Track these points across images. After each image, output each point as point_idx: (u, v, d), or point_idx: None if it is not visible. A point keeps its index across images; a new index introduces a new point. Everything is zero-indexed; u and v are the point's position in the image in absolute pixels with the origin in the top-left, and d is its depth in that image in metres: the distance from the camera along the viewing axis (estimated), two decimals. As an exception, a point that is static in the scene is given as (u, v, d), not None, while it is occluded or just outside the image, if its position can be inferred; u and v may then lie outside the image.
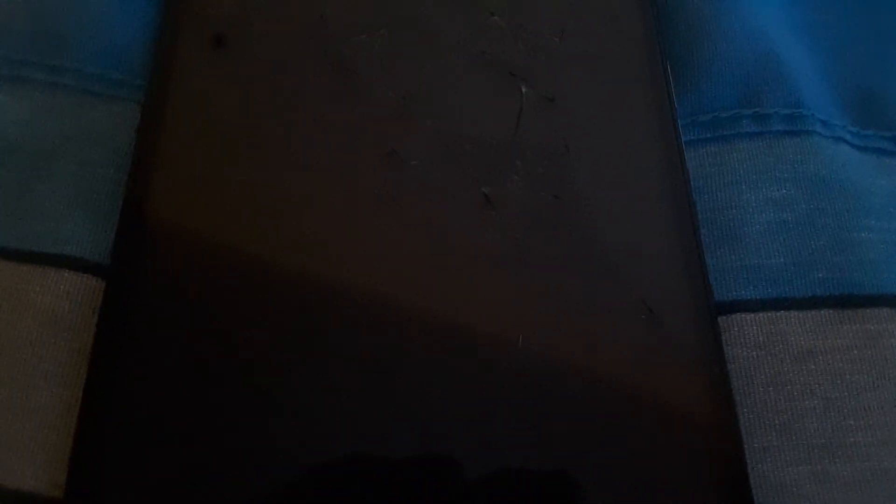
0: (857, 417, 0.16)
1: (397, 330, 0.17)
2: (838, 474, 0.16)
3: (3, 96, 0.19)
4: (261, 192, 0.18)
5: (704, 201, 0.18)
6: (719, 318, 0.17)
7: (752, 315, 0.17)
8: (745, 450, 0.16)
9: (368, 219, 0.17)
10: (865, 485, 0.16)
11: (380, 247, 0.17)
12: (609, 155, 0.19)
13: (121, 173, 0.18)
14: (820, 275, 0.18)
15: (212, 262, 0.17)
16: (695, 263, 0.17)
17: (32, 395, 0.16)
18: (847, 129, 0.20)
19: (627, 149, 0.19)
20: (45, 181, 0.18)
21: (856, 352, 0.17)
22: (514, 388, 0.16)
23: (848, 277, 0.18)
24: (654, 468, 0.16)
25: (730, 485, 0.15)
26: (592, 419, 0.16)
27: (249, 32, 0.19)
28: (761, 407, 0.17)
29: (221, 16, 0.19)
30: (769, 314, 0.17)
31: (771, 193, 0.18)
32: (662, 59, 0.19)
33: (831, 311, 0.17)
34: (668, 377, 0.16)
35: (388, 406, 0.16)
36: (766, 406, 0.17)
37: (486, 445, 0.16)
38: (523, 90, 0.19)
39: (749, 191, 0.18)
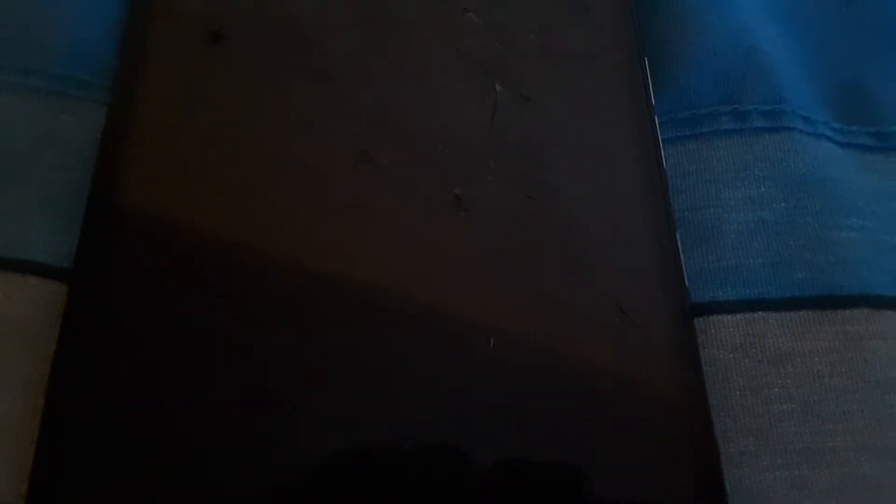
0: (835, 422, 0.16)
1: (369, 331, 0.16)
2: (816, 480, 0.16)
3: (-30, 99, 0.19)
4: (229, 194, 0.17)
5: (682, 200, 0.18)
6: (696, 320, 0.17)
7: (730, 317, 0.17)
8: (721, 455, 0.15)
9: (339, 219, 0.17)
10: (844, 491, 0.16)
11: (350, 248, 0.17)
12: (585, 154, 0.18)
13: (87, 177, 0.18)
14: (799, 275, 0.17)
15: (178, 266, 0.17)
16: (671, 264, 0.17)
17: (-6, 402, 0.16)
18: (829, 125, 0.19)
19: (604, 147, 0.18)
20: (9, 185, 0.18)
21: (835, 354, 0.17)
22: (485, 392, 0.16)
23: (828, 278, 0.17)
24: (628, 472, 0.16)
25: (705, 490, 0.15)
26: (565, 423, 0.16)
27: (220, 33, 0.19)
28: (738, 410, 0.16)
29: (190, 16, 0.19)
30: (747, 315, 0.17)
31: (750, 192, 0.18)
32: (640, 56, 0.19)
33: (810, 313, 0.17)
34: (642, 380, 0.16)
35: (360, 405, 0.16)
36: (742, 410, 0.16)
37: (453, 454, 0.15)
38: (498, 88, 0.19)
39: (727, 189, 0.18)
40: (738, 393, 0.16)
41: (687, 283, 0.17)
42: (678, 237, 0.17)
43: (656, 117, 0.18)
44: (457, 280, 0.17)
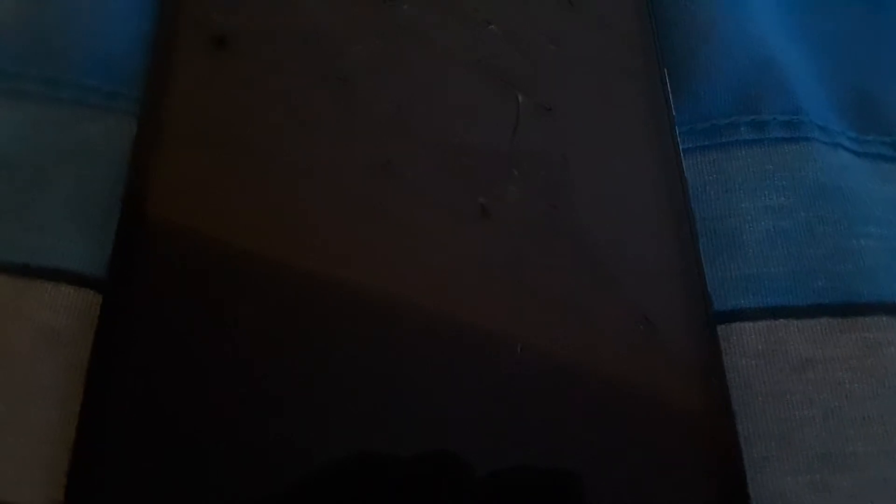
0: (856, 427, 0.16)
1: (395, 339, 0.17)
2: (838, 484, 0.16)
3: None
4: (258, 205, 0.18)
5: (703, 210, 0.18)
6: (718, 328, 0.17)
7: (752, 324, 0.17)
8: (744, 459, 0.16)
9: (364, 230, 0.17)
10: (865, 495, 0.16)
11: (376, 257, 0.17)
12: (606, 163, 0.19)
13: (118, 186, 0.18)
14: (819, 283, 0.18)
15: (210, 275, 0.17)
16: (693, 273, 0.17)
17: (30, 410, 0.16)
18: (846, 134, 0.20)
19: (625, 157, 0.19)
20: (41, 195, 0.18)
21: (855, 361, 0.17)
22: (511, 399, 0.16)
23: (847, 286, 0.17)
24: (652, 478, 0.16)
25: (728, 494, 0.15)
26: (590, 430, 0.16)
27: (245, 43, 0.19)
28: (760, 416, 0.17)
29: (217, 26, 0.19)
30: (769, 323, 0.17)
31: (770, 201, 0.18)
32: (660, 67, 0.19)
33: (831, 320, 0.17)
34: (667, 387, 0.16)
35: (386, 414, 0.16)
36: (765, 415, 0.17)
37: (479, 462, 0.15)
38: (520, 99, 0.19)
39: (747, 199, 0.18)
40: (760, 399, 0.17)
41: (709, 291, 0.17)
42: (700, 246, 0.18)
43: (676, 128, 0.19)
44: (482, 288, 0.17)
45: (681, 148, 0.18)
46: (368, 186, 0.18)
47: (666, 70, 0.19)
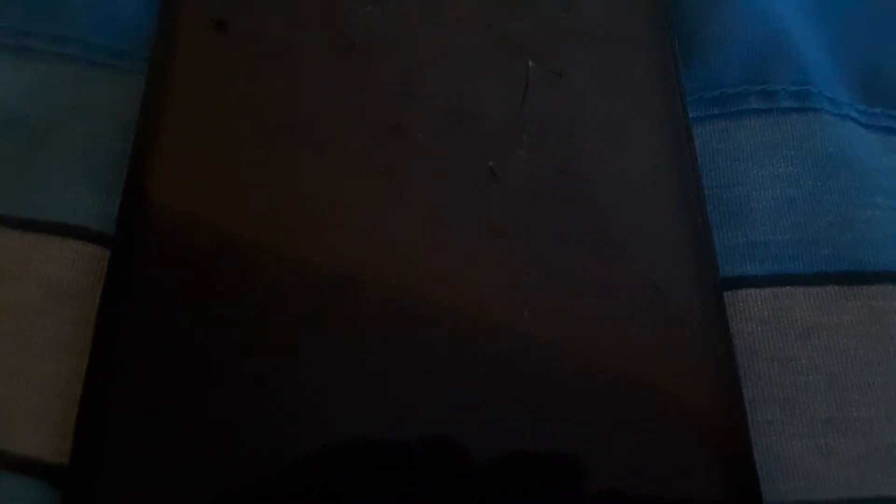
0: (860, 393, 0.16)
1: (402, 304, 0.17)
2: (841, 448, 0.16)
3: (7, 67, 0.19)
4: (265, 165, 0.18)
5: (711, 178, 0.18)
6: (725, 294, 0.17)
7: (758, 290, 0.17)
8: (749, 423, 0.16)
9: (373, 192, 0.17)
10: (868, 459, 0.16)
11: (383, 218, 0.17)
12: (616, 130, 0.18)
13: (125, 144, 0.18)
14: (826, 251, 0.18)
15: (215, 233, 0.17)
16: (701, 239, 0.17)
17: (37, 362, 0.16)
18: (854, 106, 0.20)
19: (634, 124, 0.19)
20: (49, 151, 0.18)
21: (860, 328, 0.17)
22: (518, 362, 0.16)
23: (853, 254, 0.18)
24: (657, 440, 0.16)
25: (733, 456, 0.16)
26: (597, 392, 0.16)
27: (254, 4, 0.19)
28: (766, 381, 0.17)
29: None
30: (775, 290, 0.17)
31: (777, 170, 0.18)
32: (670, 35, 0.19)
33: (837, 288, 0.17)
34: (673, 351, 0.16)
35: (390, 379, 0.16)
36: (770, 380, 0.17)
37: (489, 420, 0.16)
38: (530, 65, 0.19)
39: (755, 167, 0.18)
40: (765, 364, 0.17)
41: (716, 257, 0.17)
42: (708, 213, 0.18)
43: (686, 96, 0.19)
44: (491, 251, 0.17)
45: (690, 116, 0.18)
46: (377, 148, 0.18)
47: (676, 39, 0.19)
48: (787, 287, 0.17)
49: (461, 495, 0.15)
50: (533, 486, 0.15)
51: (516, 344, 0.16)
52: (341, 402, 0.16)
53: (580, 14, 0.20)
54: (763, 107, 0.19)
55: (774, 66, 0.19)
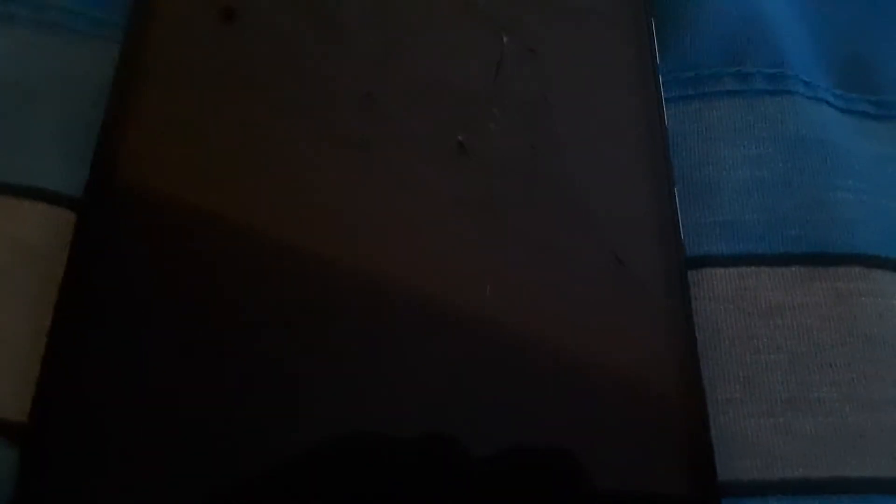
0: (822, 373, 0.16)
1: (368, 275, 0.17)
2: (800, 428, 0.16)
3: (-12, 33, 0.19)
4: (236, 132, 0.18)
5: (682, 157, 0.18)
6: (690, 272, 0.17)
7: (723, 270, 0.17)
8: (708, 401, 0.16)
9: (340, 160, 0.17)
10: (827, 439, 0.16)
11: (349, 187, 0.17)
12: (588, 108, 0.18)
13: (98, 111, 0.18)
14: (793, 232, 0.18)
15: (184, 202, 0.17)
16: (668, 217, 0.17)
17: (1, 321, 0.16)
18: (830, 91, 0.20)
19: (607, 102, 0.19)
20: (24, 116, 0.18)
21: (824, 309, 0.17)
22: (480, 335, 0.16)
23: (821, 235, 0.17)
24: (614, 414, 0.16)
25: (690, 433, 0.16)
26: (557, 366, 0.16)
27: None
28: (727, 360, 0.17)
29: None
30: (740, 269, 0.17)
31: (749, 151, 0.18)
32: (647, 15, 0.19)
33: (802, 269, 0.17)
34: (633, 327, 0.16)
35: (350, 345, 0.16)
36: (731, 359, 0.17)
37: (449, 389, 0.16)
38: (504, 40, 0.19)
39: (727, 148, 0.18)
40: (727, 343, 0.17)
41: (683, 236, 0.17)
42: (676, 192, 0.18)
43: (660, 76, 0.19)
44: (457, 224, 0.17)
45: (664, 96, 0.18)
46: (347, 118, 0.18)
47: (653, 18, 0.19)
48: (753, 267, 0.17)
49: (412, 478, 0.15)
50: (487, 455, 0.15)
51: (478, 316, 0.16)
52: (304, 372, 0.16)
53: (557, -8, 0.20)
54: (737, 88, 0.19)
55: (750, 49, 0.19)
